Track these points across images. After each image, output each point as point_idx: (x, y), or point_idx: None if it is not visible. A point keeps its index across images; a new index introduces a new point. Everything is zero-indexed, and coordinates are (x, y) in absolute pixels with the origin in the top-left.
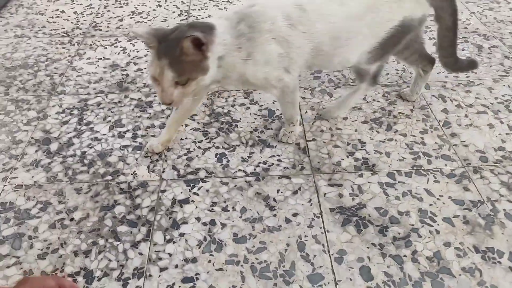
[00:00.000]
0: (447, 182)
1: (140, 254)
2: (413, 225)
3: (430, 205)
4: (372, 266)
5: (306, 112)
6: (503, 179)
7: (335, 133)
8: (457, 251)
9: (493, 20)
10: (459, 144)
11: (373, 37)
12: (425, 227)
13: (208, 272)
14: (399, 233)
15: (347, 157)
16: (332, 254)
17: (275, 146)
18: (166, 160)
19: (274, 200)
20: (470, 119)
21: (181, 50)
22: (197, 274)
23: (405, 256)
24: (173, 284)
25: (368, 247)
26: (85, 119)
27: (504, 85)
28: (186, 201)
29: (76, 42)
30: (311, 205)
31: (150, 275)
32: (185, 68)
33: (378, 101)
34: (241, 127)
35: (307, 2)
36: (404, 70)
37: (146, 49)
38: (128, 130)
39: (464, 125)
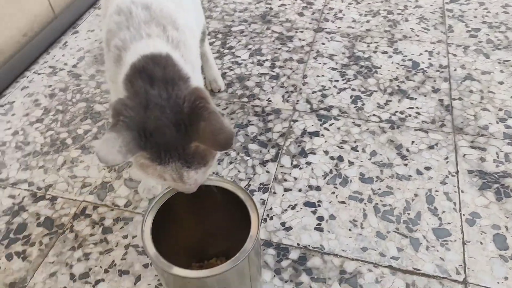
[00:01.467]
0: None
1: (267, 172)
2: None
3: None
4: (509, 236)
5: (455, 69)
6: None
7: (486, 96)
8: None
9: None
10: None
11: None
12: None
13: (330, 202)
14: None
15: (497, 122)
16: (463, 214)
17: (415, 98)
18: (300, 93)
19: (407, 150)
20: None
21: None
22: (319, 201)
23: None
24: (296, 205)
25: (507, 217)
26: (227, 44)
27: None
28: (316, 134)
29: None
30: (447, 162)
31: (274, 192)
32: None
33: None
34: (380, 74)
35: None
36: None
37: None
38: (267, 60)
39: None
